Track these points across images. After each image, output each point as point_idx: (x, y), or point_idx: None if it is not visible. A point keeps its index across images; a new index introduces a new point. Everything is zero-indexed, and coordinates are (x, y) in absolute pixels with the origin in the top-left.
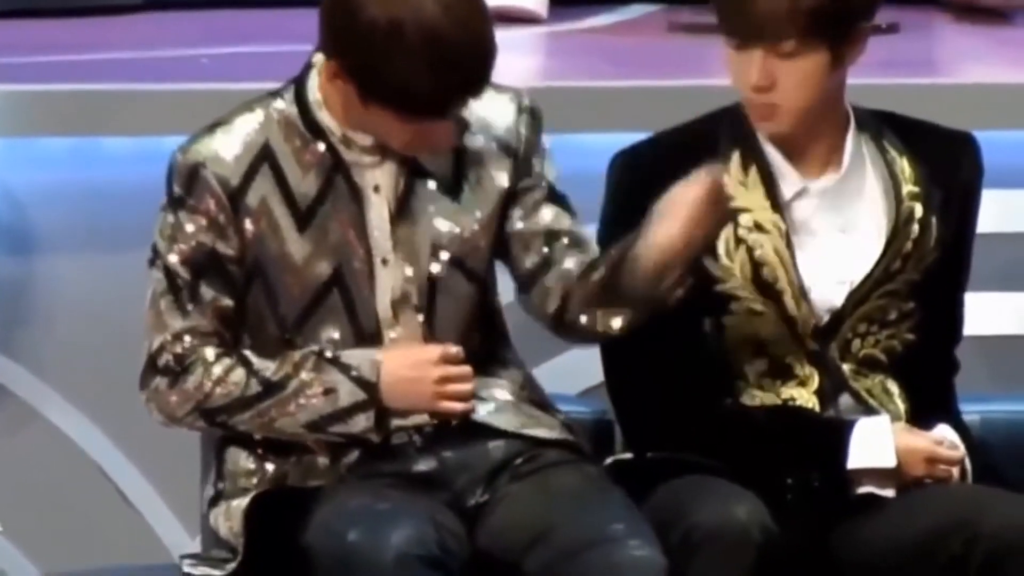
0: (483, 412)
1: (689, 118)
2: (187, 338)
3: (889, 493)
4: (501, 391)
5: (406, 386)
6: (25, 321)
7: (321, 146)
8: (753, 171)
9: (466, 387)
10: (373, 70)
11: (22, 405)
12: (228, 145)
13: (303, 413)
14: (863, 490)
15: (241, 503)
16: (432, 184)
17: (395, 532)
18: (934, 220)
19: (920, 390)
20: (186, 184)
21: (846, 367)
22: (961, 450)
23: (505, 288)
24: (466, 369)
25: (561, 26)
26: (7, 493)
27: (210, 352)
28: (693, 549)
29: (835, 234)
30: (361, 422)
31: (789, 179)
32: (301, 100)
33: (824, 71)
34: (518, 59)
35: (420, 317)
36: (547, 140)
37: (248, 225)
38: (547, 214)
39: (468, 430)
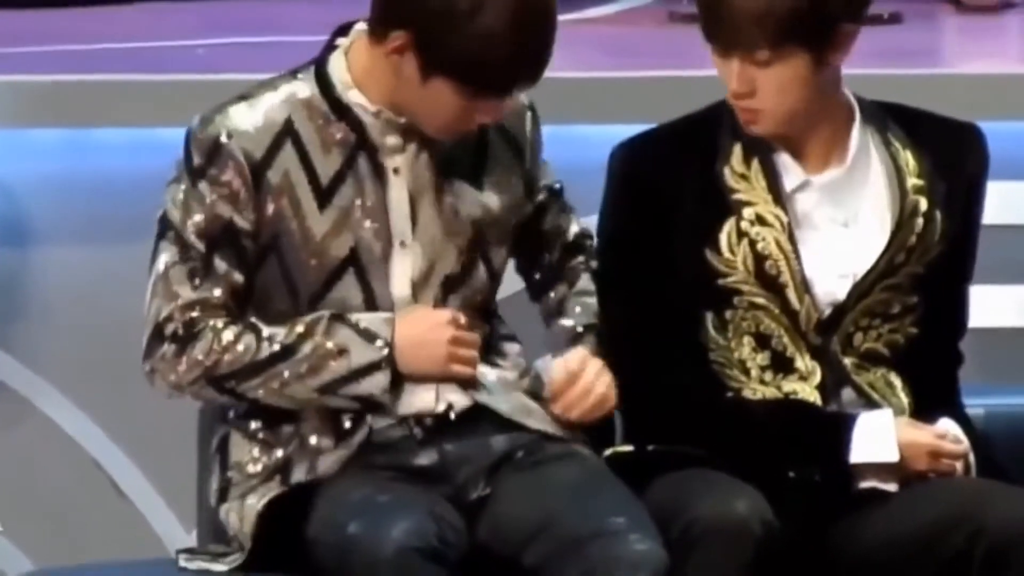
0: (485, 395)
1: (689, 110)
2: (197, 308)
3: (892, 487)
4: (503, 378)
5: (419, 347)
6: (18, 313)
7: (345, 126)
8: (755, 164)
9: (474, 353)
10: (449, 40)
11: (16, 398)
12: (252, 119)
13: (315, 376)
14: (865, 484)
15: (255, 503)
16: (454, 171)
17: (395, 525)
18: (938, 213)
19: (923, 384)
20: (208, 154)
21: (848, 361)
22: (965, 444)
23: (507, 282)
24: (475, 335)
25: (562, 16)
26: (1, 487)
27: (219, 321)
28: (693, 543)
29: (838, 227)
30: (375, 382)
31: (791, 172)
32: (323, 80)
33: (806, 75)
34: None
35: (433, 301)
36: (546, 132)
37: (269, 201)
38: (550, 212)
39: (469, 422)
